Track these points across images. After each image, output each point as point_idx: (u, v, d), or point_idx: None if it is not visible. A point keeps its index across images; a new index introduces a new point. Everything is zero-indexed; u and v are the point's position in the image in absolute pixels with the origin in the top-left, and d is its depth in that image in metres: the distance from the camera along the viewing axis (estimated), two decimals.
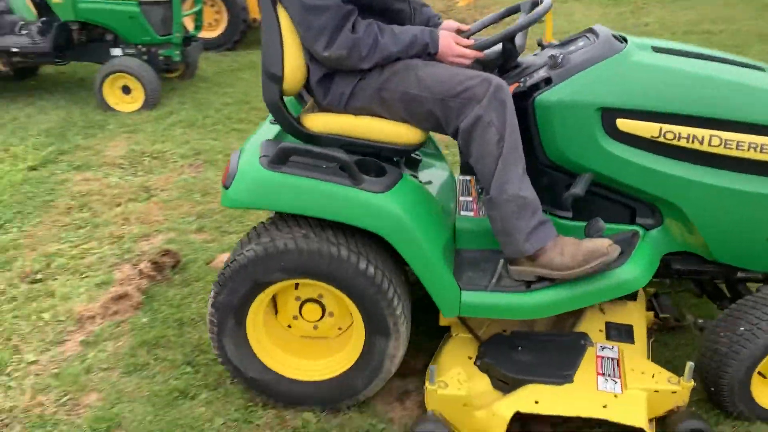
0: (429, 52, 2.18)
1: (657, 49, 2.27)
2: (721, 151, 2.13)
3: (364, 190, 2.12)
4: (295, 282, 2.28)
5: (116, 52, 5.83)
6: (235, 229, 3.75)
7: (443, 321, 2.47)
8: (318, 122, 2.27)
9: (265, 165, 2.15)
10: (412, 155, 2.63)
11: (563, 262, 2.09)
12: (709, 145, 2.12)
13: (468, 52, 2.21)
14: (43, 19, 5.86)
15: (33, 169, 4.57)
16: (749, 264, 2.35)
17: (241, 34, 7.86)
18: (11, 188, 4.26)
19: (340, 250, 2.14)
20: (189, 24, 6.49)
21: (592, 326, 2.44)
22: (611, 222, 2.28)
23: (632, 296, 2.54)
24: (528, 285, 2.19)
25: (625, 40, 2.26)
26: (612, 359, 2.31)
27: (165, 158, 4.76)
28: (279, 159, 2.14)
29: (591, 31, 2.38)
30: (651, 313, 2.68)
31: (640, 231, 2.29)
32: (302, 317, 2.40)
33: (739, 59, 2.37)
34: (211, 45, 7.63)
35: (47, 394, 2.57)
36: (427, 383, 2.21)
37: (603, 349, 2.36)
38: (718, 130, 2.11)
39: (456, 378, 2.22)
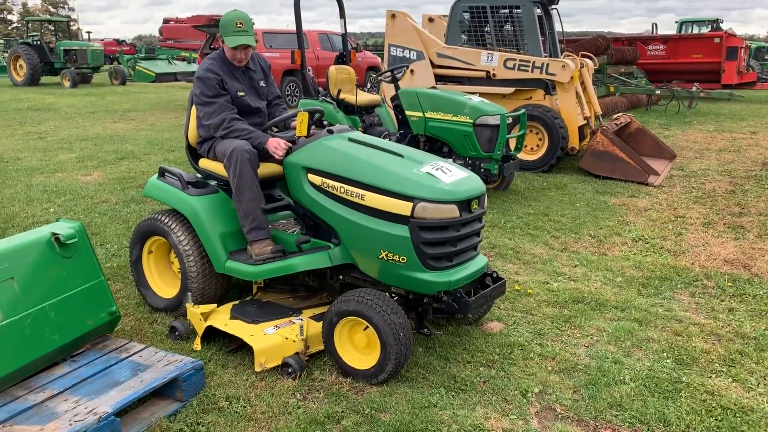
0: (259, 145, 3.83)
1: (351, 140, 3.73)
2: (346, 196, 3.50)
3: (185, 193, 3.97)
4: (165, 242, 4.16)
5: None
6: None
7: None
8: (202, 162, 4.21)
9: (156, 177, 4.24)
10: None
11: (255, 252, 3.77)
12: (341, 192, 3.52)
13: (279, 151, 3.76)
14: (401, 131, 7.52)
15: None
16: (380, 277, 3.53)
17: (557, 159, 8.62)
18: None
19: (168, 221, 4.03)
20: (512, 144, 7.35)
21: (313, 311, 3.89)
22: (323, 239, 3.75)
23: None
24: (254, 262, 3.75)
25: (332, 132, 3.79)
26: (292, 322, 3.69)
27: None
28: (160, 174, 4.24)
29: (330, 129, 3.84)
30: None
31: (331, 246, 3.70)
32: (172, 263, 4.32)
33: (396, 148, 3.66)
34: (528, 166, 8.73)
35: None
36: (188, 304, 3.82)
37: (298, 318, 3.75)
38: (345, 184, 3.50)
39: (205, 308, 3.79)
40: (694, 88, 13.94)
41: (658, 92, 14.28)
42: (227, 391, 3.28)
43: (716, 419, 3.09)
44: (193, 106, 4.16)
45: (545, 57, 8.94)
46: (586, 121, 8.90)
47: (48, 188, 7.38)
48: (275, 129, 4.18)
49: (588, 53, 10.88)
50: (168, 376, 3.10)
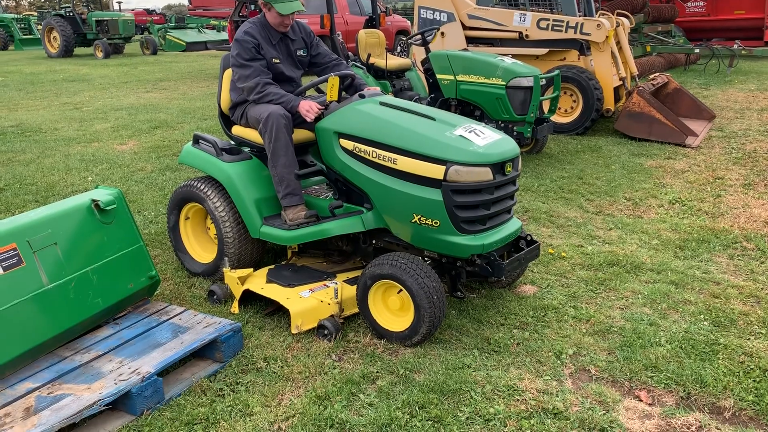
0: (292, 108, 3.83)
1: (382, 103, 3.69)
2: (378, 160, 3.48)
3: (219, 159, 4.02)
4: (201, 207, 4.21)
5: None
6: None
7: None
8: (235, 129, 4.27)
9: (191, 144, 4.29)
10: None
11: (289, 217, 3.80)
12: (373, 156, 3.50)
13: (311, 114, 3.75)
14: (432, 95, 7.38)
15: None
16: (413, 241, 3.51)
17: (592, 121, 8.49)
18: None
19: (204, 188, 4.07)
20: (545, 106, 7.27)
21: (347, 275, 3.93)
22: (356, 204, 3.74)
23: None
24: (289, 227, 3.78)
25: (363, 96, 3.78)
26: (326, 286, 3.72)
27: None
28: (194, 141, 4.29)
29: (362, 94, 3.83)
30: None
31: (364, 210, 3.68)
32: (208, 228, 4.37)
33: (429, 111, 3.62)
34: (562, 129, 8.54)
35: None
36: (225, 269, 3.86)
37: (331, 282, 3.76)
38: (377, 148, 3.48)
39: (242, 272, 3.85)
40: (735, 46, 13.48)
41: (697, 51, 13.84)
42: (265, 352, 3.35)
43: (754, 380, 3.06)
44: (225, 73, 4.20)
45: (579, 16, 8.71)
46: (621, 82, 8.70)
47: (85, 157, 7.53)
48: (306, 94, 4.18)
49: (624, 12, 10.56)
50: (207, 338, 3.18)
